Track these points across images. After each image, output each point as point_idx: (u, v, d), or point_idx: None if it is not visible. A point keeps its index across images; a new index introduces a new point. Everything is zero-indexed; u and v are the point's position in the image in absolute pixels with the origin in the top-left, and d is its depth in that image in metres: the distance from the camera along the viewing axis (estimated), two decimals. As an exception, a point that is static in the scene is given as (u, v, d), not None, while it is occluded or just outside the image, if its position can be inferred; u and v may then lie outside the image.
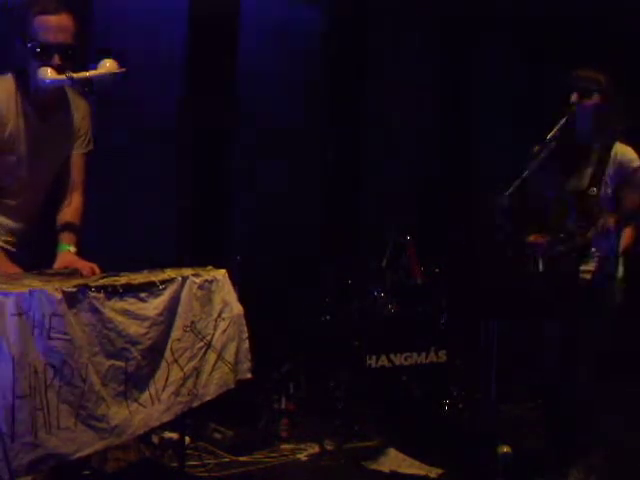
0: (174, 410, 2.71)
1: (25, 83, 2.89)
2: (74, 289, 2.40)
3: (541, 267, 3.57)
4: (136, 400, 2.58)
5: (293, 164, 5.45)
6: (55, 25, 2.81)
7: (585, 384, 3.48)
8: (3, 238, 3.00)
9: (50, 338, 2.30)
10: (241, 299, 3.00)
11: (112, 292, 2.52)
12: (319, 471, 3.94)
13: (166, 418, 2.69)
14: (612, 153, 3.48)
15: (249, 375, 2.99)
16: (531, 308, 3.64)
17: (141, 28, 4.88)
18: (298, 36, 5.61)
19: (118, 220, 4.65)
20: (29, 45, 2.81)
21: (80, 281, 2.51)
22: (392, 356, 4.64)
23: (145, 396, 2.61)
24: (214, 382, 2.85)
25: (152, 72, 4.86)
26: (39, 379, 2.26)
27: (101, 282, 2.54)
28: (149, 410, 2.62)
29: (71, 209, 3.08)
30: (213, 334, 2.85)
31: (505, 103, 6.37)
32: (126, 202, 4.73)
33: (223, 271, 2.96)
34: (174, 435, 3.72)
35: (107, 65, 2.84)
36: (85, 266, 2.84)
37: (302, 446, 4.19)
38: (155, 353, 2.66)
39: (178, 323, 2.74)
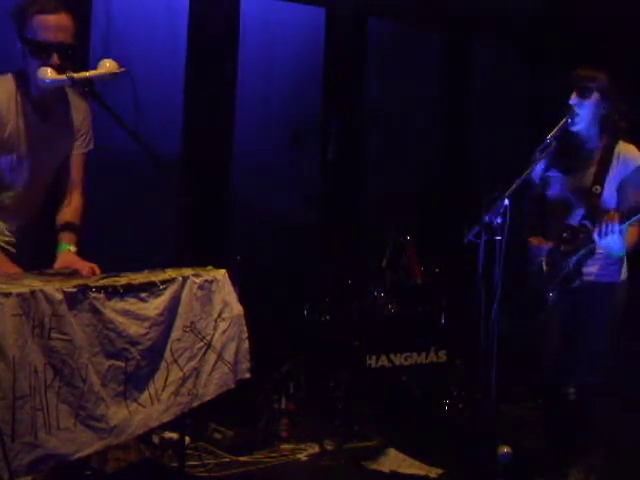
0: (173, 410, 2.71)
1: (25, 83, 2.89)
2: (74, 289, 2.40)
3: (545, 268, 3.56)
4: (136, 400, 2.58)
5: (293, 164, 5.45)
6: (54, 24, 2.81)
7: (587, 384, 3.47)
8: (3, 238, 3.00)
9: (50, 338, 2.31)
10: (241, 299, 3.00)
11: (112, 292, 2.52)
12: (319, 471, 3.94)
13: (166, 418, 2.69)
14: (615, 151, 3.47)
15: (248, 375, 2.99)
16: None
17: (141, 28, 4.88)
18: (298, 37, 5.62)
19: (118, 220, 4.65)
20: (28, 44, 2.82)
21: (80, 281, 2.51)
22: (392, 356, 4.64)
23: (145, 396, 2.61)
24: (214, 382, 2.85)
25: (152, 71, 4.88)
26: (39, 379, 2.26)
27: (101, 282, 2.54)
28: (148, 410, 2.62)
29: (71, 209, 3.08)
30: (213, 334, 2.85)
31: (505, 103, 6.37)
32: (126, 202, 4.74)
33: (223, 271, 2.96)
34: (174, 435, 3.72)
35: (107, 65, 2.84)
36: (85, 266, 2.84)
37: (302, 446, 4.19)
38: (155, 353, 2.66)
39: (178, 323, 2.74)
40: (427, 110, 6.27)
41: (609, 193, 3.45)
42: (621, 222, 3.27)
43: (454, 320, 4.91)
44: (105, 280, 2.58)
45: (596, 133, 3.52)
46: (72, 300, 2.39)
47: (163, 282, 2.70)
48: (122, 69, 2.85)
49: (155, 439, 3.85)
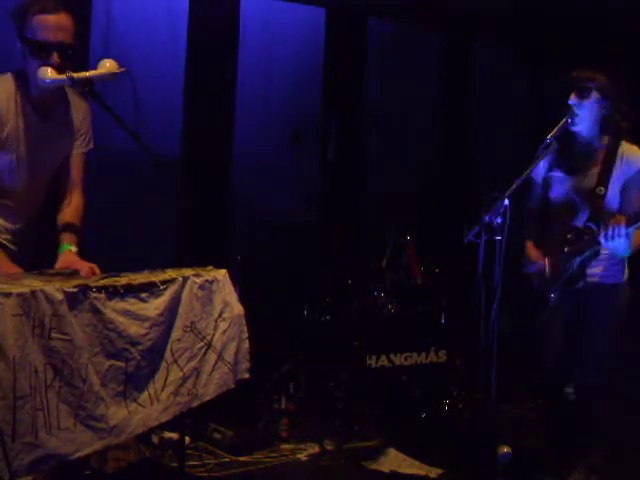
0: (173, 410, 2.71)
1: (25, 83, 2.89)
2: (75, 289, 2.40)
3: (547, 269, 3.55)
4: (135, 400, 2.58)
5: (293, 164, 5.45)
6: (54, 24, 2.82)
7: (590, 386, 3.47)
8: (4, 237, 3.00)
9: (50, 338, 2.31)
10: (241, 299, 3.00)
11: (113, 292, 2.52)
12: (319, 471, 3.94)
13: (165, 418, 2.69)
14: (619, 152, 3.46)
15: (247, 375, 2.99)
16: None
17: (141, 30, 4.88)
18: (298, 37, 5.62)
19: (118, 220, 4.65)
20: (28, 44, 2.82)
21: (81, 281, 2.51)
22: (392, 356, 4.64)
23: (144, 396, 2.61)
24: (214, 382, 2.85)
25: (152, 71, 4.88)
26: (39, 379, 2.26)
27: (102, 282, 2.54)
28: (148, 410, 2.62)
29: (71, 209, 3.09)
30: (213, 334, 2.85)
31: (505, 103, 6.37)
32: (126, 202, 4.74)
33: (223, 271, 2.96)
34: (174, 435, 3.72)
35: (107, 65, 2.84)
36: (85, 266, 2.84)
37: (302, 446, 4.19)
38: (155, 353, 2.66)
39: (178, 323, 2.75)
40: (427, 110, 6.27)
41: (613, 194, 3.44)
42: (628, 225, 3.26)
43: (454, 320, 4.91)
44: (105, 280, 2.58)
45: (597, 133, 3.52)
46: (72, 300, 2.39)
47: (163, 282, 2.70)
48: (122, 69, 2.86)
49: (155, 439, 3.85)
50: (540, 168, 3.60)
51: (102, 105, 2.82)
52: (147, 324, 2.62)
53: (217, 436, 4.10)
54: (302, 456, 4.09)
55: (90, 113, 3.13)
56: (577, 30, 5.77)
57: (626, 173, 3.44)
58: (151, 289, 2.65)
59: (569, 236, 3.49)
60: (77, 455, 2.36)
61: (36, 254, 3.07)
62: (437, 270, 5.05)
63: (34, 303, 2.27)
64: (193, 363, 2.78)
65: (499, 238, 3.25)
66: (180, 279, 2.77)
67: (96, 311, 2.46)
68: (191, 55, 5.15)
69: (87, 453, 2.42)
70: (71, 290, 2.39)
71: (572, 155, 3.56)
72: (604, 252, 3.43)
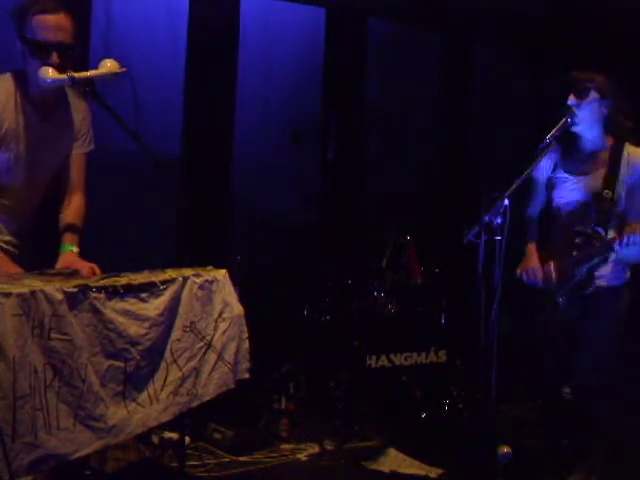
0: (172, 410, 2.71)
1: (24, 83, 2.89)
2: (75, 289, 2.40)
3: (553, 274, 3.53)
4: (134, 400, 2.58)
5: (293, 164, 5.45)
6: (53, 24, 2.82)
7: (590, 386, 3.47)
8: (3, 238, 3.00)
9: (50, 338, 2.31)
10: (241, 299, 3.00)
11: (113, 292, 2.52)
12: (319, 471, 3.94)
13: (164, 418, 2.69)
14: (624, 154, 3.45)
15: (247, 375, 2.99)
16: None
17: (141, 30, 4.88)
18: (298, 37, 5.62)
19: (118, 220, 4.65)
20: (28, 44, 2.82)
21: (81, 281, 2.51)
22: (392, 356, 4.64)
23: (144, 396, 2.61)
24: (214, 382, 2.85)
25: (152, 71, 4.88)
26: (39, 379, 2.26)
27: (102, 282, 2.54)
28: (147, 410, 2.62)
29: (72, 209, 3.09)
30: (213, 334, 2.85)
31: (505, 103, 6.37)
32: (126, 202, 4.74)
33: (223, 271, 2.96)
34: (174, 435, 3.72)
35: (108, 65, 2.84)
36: (85, 266, 2.84)
37: (302, 446, 4.19)
38: (155, 353, 2.66)
39: (178, 323, 2.75)
40: (427, 110, 6.27)
41: (618, 197, 3.43)
42: None
43: (454, 320, 4.91)
44: (105, 280, 2.59)
45: (599, 133, 3.50)
46: (72, 300, 2.39)
47: (163, 282, 2.70)
48: (123, 69, 2.86)
49: (155, 439, 3.85)
50: (543, 168, 3.59)
51: (102, 105, 2.82)
52: (147, 324, 2.62)
53: (217, 436, 4.10)
54: (302, 456, 4.09)
55: (90, 113, 3.13)
56: (577, 30, 5.76)
57: (631, 175, 3.43)
58: (151, 289, 2.66)
59: (577, 241, 3.47)
60: (77, 455, 2.36)
61: (35, 254, 3.07)
62: (437, 270, 5.05)
63: (34, 303, 2.27)
64: (193, 363, 2.78)
65: (499, 238, 3.25)
66: (180, 279, 2.77)
67: (96, 311, 2.46)
68: (191, 55, 5.15)
69: (87, 453, 2.42)
70: (71, 290, 2.39)
71: (576, 156, 3.55)
72: (612, 257, 3.43)
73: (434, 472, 3.88)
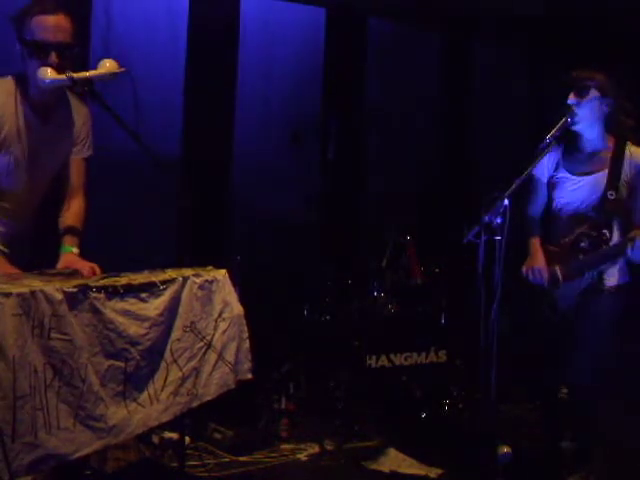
0: (173, 410, 2.71)
1: (25, 85, 2.89)
2: (75, 289, 2.40)
3: (560, 278, 3.53)
4: (135, 400, 2.58)
5: (293, 164, 5.45)
6: (53, 25, 2.82)
7: (589, 386, 3.46)
8: (2, 241, 3.00)
9: (50, 338, 2.31)
10: (241, 299, 3.00)
11: (113, 292, 2.53)
12: (319, 471, 3.94)
13: (165, 418, 2.69)
14: (626, 154, 3.44)
15: (249, 375, 2.99)
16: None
17: (141, 30, 4.89)
18: (298, 37, 5.62)
19: (118, 220, 4.65)
20: (27, 45, 2.82)
21: (81, 281, 2.51)
22: (392, 356, 4.64)
23: (144, 396, 2.62)
24: (214, 382, 2.85)
25: (152, 71, 4.88)
26: (39, 379, 2.26)
27: (102, 282, 2.54)
28: (148, 410, 2.62)
29: (72, 213, 3.09)
30: (213, 334, 2.85)
31: (505, 103, 6.37)
32: (126, 202, 4.74)
33: (223, 271, 2.96)
34: (174, 435, 3.72)
35: (107, 65, 2.85)
36: (85, 266, 2.84)
37: (302, 446, 4.19)
38: (155, 353, 2.66)
39: (178, 323, 2.75)
40: (427, 110, 6.27)
41: (621, 198, 3.42)
42: None
43: (454, 320, 4.91)
44: (105, 280, 2.59)
45: (600, 133, 3.49)
46: (72, 300, 2.39)
47: (163, 282, 2.70)
48: (122, 69, 2.86)
49: (155, 439, 3.85)
50: (545, 168, 3.58)
51: (102, 105, 2.82)
52: (147, 324, 2.62)
53: (217, 436, 4.10)
54: (302, 456, 4.09)
55: (90, 118, 3.13)
56: (577, 30, 5.76)
57: (634, 175, 3.43)
58: (151, 289, 2.66)
59: (583, 244, 3.46)
60: (77, 455, 2.36)
61: (33, 257, 3.07)
62: (437, 270, 5.05)
63: (34, 303, 2.27)
64: (193, 363, 2.78)
65: (499, 238, 3.24)
66: (180, 279, 2.77)
67: (96, 311, 2.46)
68: (191, 55, 5.15)
69: (87, 453, 2.42)
70: (71, 290, 2.39)
71: (577, 156, 3.54)
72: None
73: (434, 472, 3.88)
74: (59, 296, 2.34)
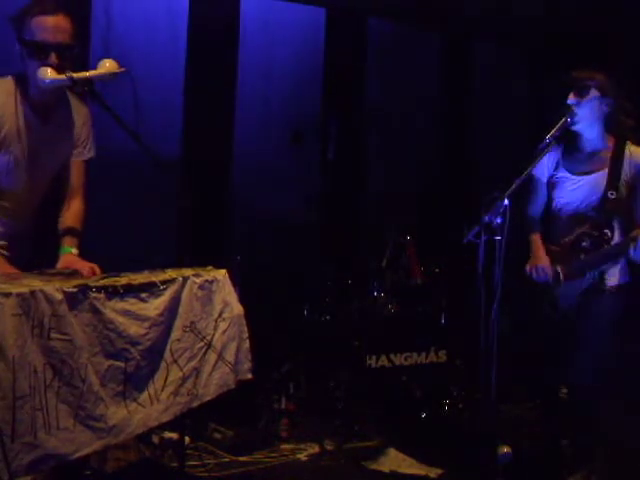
0: (173, 410, 2.71)
1: (25, 85, 2.90)
2: (75, 289, 2.40)
3: (562, 278, 3.53)
4: (135, 400, 2.58)
5: (293, 164, 5.45)
6: (52, 25, 2.82)
7: (590, 386, 3.46)
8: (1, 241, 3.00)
9: (50, 338, 2.31)
10: (241, 299, 3.00)
11: (113, 292, 2.53)
12: (319, 471, 3.94)
13: (165, 418, 2.69)
14: (626, 154, 3.45)
15: (250, 375, 2.99)
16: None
17: (141, 31, 4.89)
18: (298, 37, 5.62)
19: (118, 220, 4.65)
20: (27, 46, 2.82)
21: (81, 281, 2.51)
22: (392, 356, 4.64)
23: (144, 396, 2.62)
24: (214, 382, 2.85)
25: (152, 71, 4.87)
26: (39, 379, 2.26)
27: (102, 282, 2.54)
28: (148, 410, 2.62)
29: (71, 214, 3.09)
30: (213, 334, 2.85)
31: (505, 103, 6.37)
32: (126, 202, 4.74)
33: (223, 271, 2.96)
34: (174, 435, 3.72)
35: (107, 65, 2.85)
36: (85, 266, 2.84)
37: (302, 446, 4.19)
38: (155, 353, 2.66)
39: (178, 323, 2.75)
40: (427, 110, 6.27)
41: (621, 197, 3.42)
42: None
43: (454, 320, 4.91)
44: (105, 280, 2.59)
45: (600, 133, 3.49)
46: (72, 300, 2.39)
47: (163, 282, 2.70)
48: (122, 69, 2.86)
49: (155, 439, 3.85)
50: (545, 167, 3.58)
51: (102, 105, 2.82)
52: (147, 324, 2.62)
53: (217, 436, 4.10)
54: (302, 456, 4.09)
55: (90, 119, 3.13)
56: (577, 30, 5.76)
57: (634, 175, 3.43)
58: (151, 289, 2.66)
59: (584, 244, 3.46)
60: (76, 455, 2.36)
61: (34, 257, 3.07)
62: (437, 270, 5.05)
63: (33, 303, 2.27)
64: (193, 363, 2.78)
65: (499, 238, 3.24)
66: (180, 279, 2.77)
67: (96, 311, 2.46)
68: (191, 55, 5.15)
69: (87, 453, 2.42)
70: (71, 290, 2.39)
71: (577, 156, 3.54)
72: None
73: (434, 472, 3.88)
74: (59, 296, 2.34)
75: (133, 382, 2.57)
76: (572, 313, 3.51)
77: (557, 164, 3.59)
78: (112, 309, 2.51)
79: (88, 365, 2.40)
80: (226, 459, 3.94)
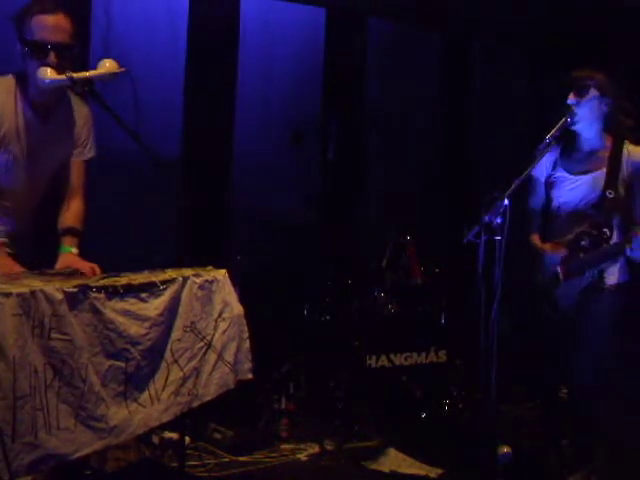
0: (173, 410, 2.71)
1: (25, 84, 2.90)
2: (75, 289, 2.40)
3: (561, 277, 3.53)
4: (136, 400, 2.58)
5: (293, 164, 5.45)
6: (52, 25, 2.83)
7: (590, 386, 3.46)
8: (3, 239, 3.00)
9: (50, 338, 2.31)
10: (241, 299, 3.00)
11: (113, 292, 2.53)
12: (319, 471, 3.94)
13: (165, 418, 2.69)
14: (623, 153, 3.45)
15: (250, 375, 2.99)
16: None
17: (141, 31, 4.88)
18: (298, 37, 5.62)
19: (118, 220, 4.65)
20: (27, 45, 2.82)
21: (81, 281, 2.51)
22: (392, 356, 4.64)
23: (145, 396, 2.62)
24: (214, 382, 2.85)
25: (152, 71, 4.87)
26: (39, 379, 2.26)
27: (102, 282, 2.54)
28: (148, 410, 2.62)
29: (71, 213, 3.09)
30: (213, 334, 2.85)
31: (505, 103, 6.37)
32: (126, 202, 4.74)
33: (223, 271, 2.96)
34: (174, 435, 3.72)
35: (107, 65, 2.85)
36: (85, 266, 2.85)
37: (302, 446, 4.19)
38: (155, 353, 2.66)
39: (178, 323, 2.75)
40: (427, 110, 6.27)
41: (620, 196, 3.42)
42: None
43: (454, 320, 4.91)
44: (105, 280, 2.59)
45: (598, 132, 3.50)
46: (72, 300, 2.39)
47: (163, 282, 2.70)
48: (122, 69, 2.86)
49: (155, 439, 3.85)
50: (543, 167, 3.59)
51: (102, 105, 2.82)
52: (147, 324, 2.62)
53: (217, 436, 4.10)
54: (302, 456, 4.09)
55: (91, 119, 3.13)
56: (577, 30, 5.76)
57: (632, 174, 3.43)
58: (151, 289, 2.66)
59: (583, 243, 3.46)
60: (77, 455, 2.36)
61: (34, 256, 3.07)
62: (437, 270, 5.05)
63: (34, 303, 2.27)
64: (193, 363, 2.78)
65: (499, 238, 3.25)
66: (180, 279, 2.77)
67: (96, 311, 2.46)
68: (191, 55, 5.15)
69: (87, 453, 2.42)
70: (71, 290, 2.39)
71: (575, 155, 3.55)
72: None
73: (434, 472, 3.88)
74: (59, 296, 2.34)
75: (134, 382, 2.57)
76: (572, 313, 3.51)
77: (555, 164, 3.60)
78: (112, 309, 2.51)
79: (89, 365, 2.41)
80: (226, 459, 3.94)
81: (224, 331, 2.88)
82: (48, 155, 3.02)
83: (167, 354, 2.70)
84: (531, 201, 3.70)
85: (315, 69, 5.75)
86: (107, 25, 4.82)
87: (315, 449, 4.16)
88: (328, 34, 5.77)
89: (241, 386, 2.97)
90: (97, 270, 2.86)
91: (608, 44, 5.52)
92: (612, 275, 3.47)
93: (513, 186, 3.30)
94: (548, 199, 3.64)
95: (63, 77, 2.78)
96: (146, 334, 2.61)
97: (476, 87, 6.48)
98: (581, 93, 3.44)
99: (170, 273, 2.81)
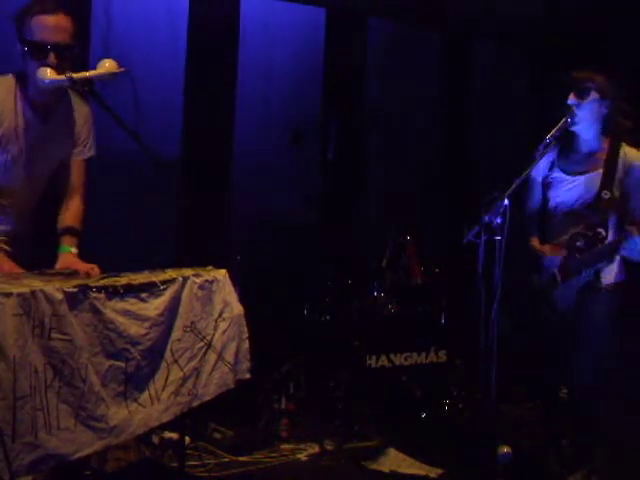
0: (174, 410, 2.71)
1: (25, 84, 2.90)
2: (75, 289, 2.40)
3: (558, 277, 3.54)
4: (136, 400, 2.58)
5: (293, 164, 5.45)
6: (52, 25, 2.82)
7: (589, 386, 3.46)
8: (2, 239, 3.00)
9: (50, 338, 2.31)
10: (241, 299, 3.00)
11: (113, 292, 2.53)
12: (319, 471, 3.94)
13: (166, 418, 2.69)
14: (620, 154, 3.45)
15: (248, 375, 2.99)
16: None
17: (141, 31, 4.89)
18: (298, 37, 5.62)
19: (118, 220, 4.65)
20: (27, 45, 2.82)
21: (81, 281, 2.51)
22: (392, 356, 4.64)
23: (145, 396, 2.62)
24: (214, 382, 2.85)
25: (152, 71, 4.88)
26: (39, 379, 2.26)
27: (102, 282, 2.54)
28: (149, 410, 2.62)
29: (71, 213, 3.09)
30: (213, 334, 2.85)
31: (505, 103, 6.37)
32: (126, 202, 4.74)
33: (223, 271, 2.96)
34: (174, 435, 3.72)
35: (107, 65, 2.85)
36: (85, 267, 2.84)
37: (302, 446, 4.19)
38: (155, 353, 2.67)
39: (178, 323, 2.75)
40: (427, 110, 6.27)
41: (615, 197, 3.43)
42: None
43: (454, 320, 4.91)
44: (105, 280, 2.59)
45: (596, 134, 3.51)
46: (72, 300, 2.39)
47: (163, 282, 2.70)
48: (122, 69, 2.86)
49: (155, 439, 3.85)
50: (541, 167, 3.60)
51: (102, 105, 2.82)
52: (147, 324, 2.62)
53: (217, 436, 4.10)
54: (302, 456, 4.09)
55: (91, 118, 3.13)
56: (577, 30, 5.76)
57: (628, 176, 3.43)
58: (151, 289, 2.66)
59: (579, 243, 3.47)
60: (77, 455, 2.36)
61: (34, 256, 3.07)
62: (437, 270, 5.05)
63: (34, 303, 2.27)
64: (193, 363, 2.78)
65: (499, 238, 3.25)
66: (180, 279, 2.77)
67: (96, 311, 2.46)
68: (191, 55, 5.15)
69: (87, 453, 2.42)
70: (71, 290, 2.39)
71: (572, 156, 3.56)
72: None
73: (434, 472, 3.88)
74: (59, 296, 2.34)
75: (134, 382, 2.57)
76: (570, 313, 3.51)
77: (552, 164, 3.61)
78: (112, 309, 2.51)
79: (89, 365, 2.41)
80: (226, 459, 3.94)
81: (224, 331, 2.88)
82: (48, 155, 3.02)
83: (167, 354, 2.70)
84: (529, 202, 3.71)
85: (315, 69, 5.75)
86: (107, 25, 4.82)
87: (315, 449, 4.16)
88: (328, 34, 5.77)
89: (241, 386, 2.97)
90: (97, 270, 2.85)
91: (608, 44, 5.52)
92: (609, 274, 3.47)
93: (513, 186, 3.30)
94: (545, 199, 3.65)
95: (63, 77, 2.78)
96: (146, 334, 2.61)
97: (476, 87, 6.48)
98: (582, 95, 3.45)
99: (170, 273, 2.81)
